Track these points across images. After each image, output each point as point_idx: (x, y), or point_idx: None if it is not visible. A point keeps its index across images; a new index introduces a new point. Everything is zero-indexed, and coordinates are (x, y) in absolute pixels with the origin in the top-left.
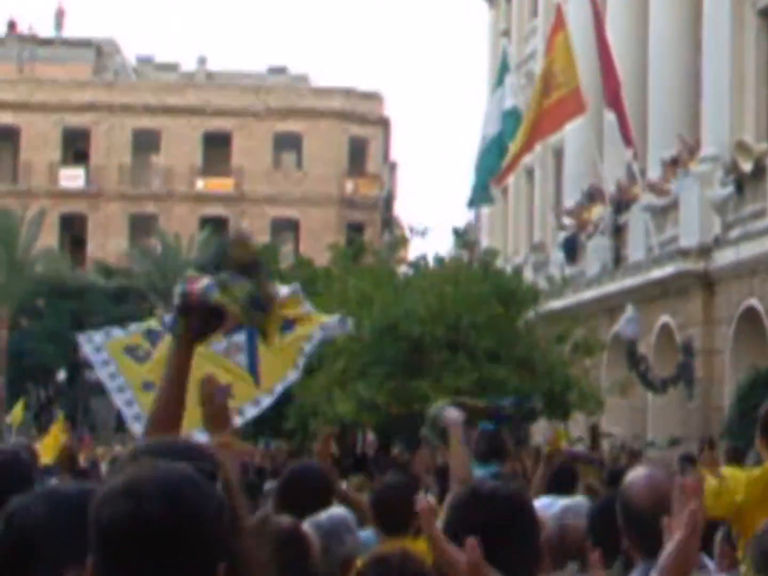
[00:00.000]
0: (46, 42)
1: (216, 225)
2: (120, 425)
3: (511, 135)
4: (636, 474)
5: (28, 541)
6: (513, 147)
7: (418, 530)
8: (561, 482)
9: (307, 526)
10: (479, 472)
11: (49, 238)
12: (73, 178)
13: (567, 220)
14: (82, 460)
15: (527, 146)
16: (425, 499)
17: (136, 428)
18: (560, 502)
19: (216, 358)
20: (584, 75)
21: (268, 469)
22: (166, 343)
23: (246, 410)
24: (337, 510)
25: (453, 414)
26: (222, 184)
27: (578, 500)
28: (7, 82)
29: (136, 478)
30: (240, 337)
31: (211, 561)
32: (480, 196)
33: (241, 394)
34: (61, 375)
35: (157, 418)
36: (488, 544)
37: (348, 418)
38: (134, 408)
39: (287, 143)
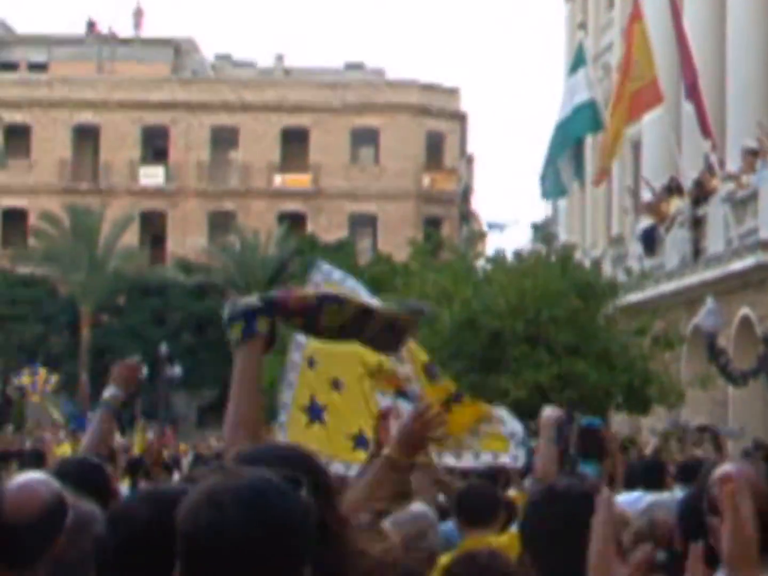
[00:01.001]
0: (125, 41)
1: (294, 221)
2: (201, 420)
3: (589, 128)
4: (725, 470)
5: (133, 545)
6: (605, 141)
7: (503, 524)
8: (650, 477)
9: (389, 523)
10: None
11: (130, 235)
12: (152, 176)
13: (645, 213)
14: (166, 456)
15: (616, 138)
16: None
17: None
18: (648, 497)
19: (370, 401)
20: (661, 66)
21: None
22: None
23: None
24: (418, 506)
25: (548, 411)
26: (300, 180)
27: (667, 495)
28: (86, 81)
29: (219, 487)
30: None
31: (294, 568)
32: (554, 188)
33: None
34: (142, 371)
35: (230, 421)
36: (563, 541)
37: None
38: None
39: (364, 138)
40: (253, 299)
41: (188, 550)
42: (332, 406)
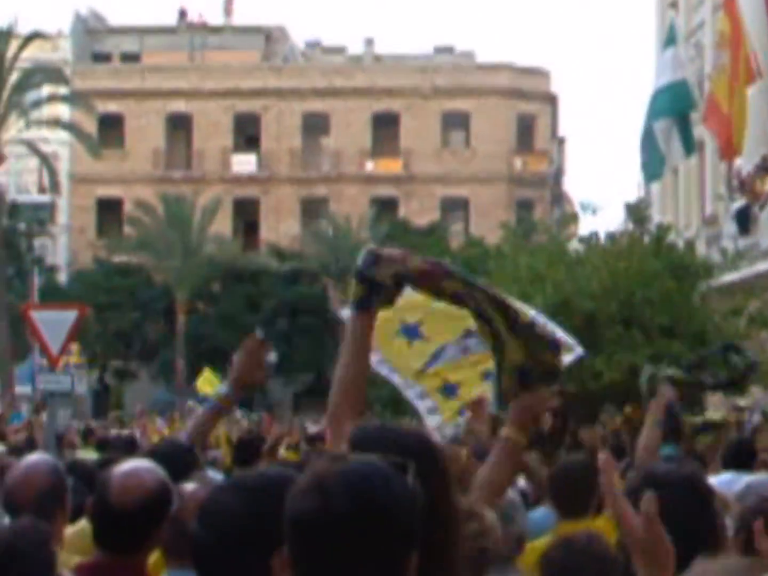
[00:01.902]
0: (216, 30)
1: (386, 206)
2: (297, 406)
3: (681, 107)
4: None
5: (224, 534)
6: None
7: (597, 509)
8: (740, 458)
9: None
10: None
11: (223, 223)
12: (244, 163)
13: (739, 192)
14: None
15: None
16: (608, 455)
17: (431, 421)
18: (744, 479)
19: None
20: (756, 42)
21: None
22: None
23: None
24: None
25: (667, 392)
26: (391, 165)
27: (762, 476)
28: (179, 70)
29: (326, 473)
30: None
31: (401, 555)
32: (655, 169)
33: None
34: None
35: (338, 382)
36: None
37: None
38: (427, 400)
39: (455, 122)
40: (386, 270)
41: (296, 536)
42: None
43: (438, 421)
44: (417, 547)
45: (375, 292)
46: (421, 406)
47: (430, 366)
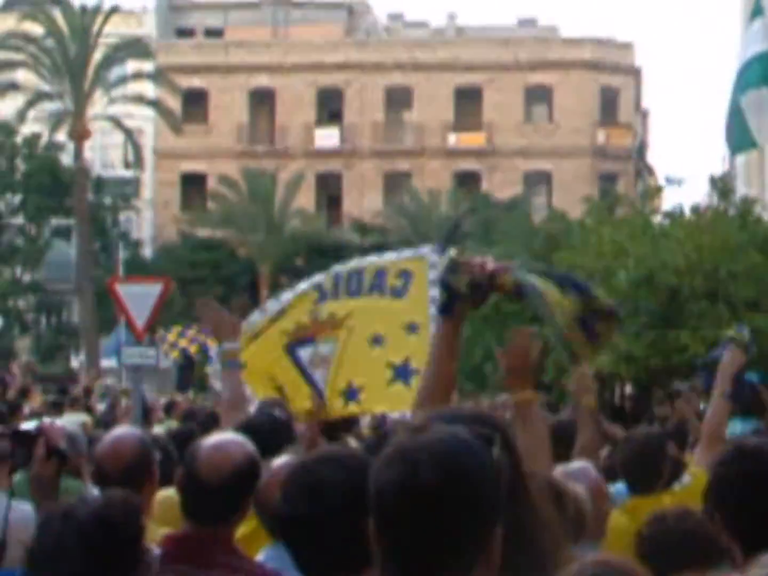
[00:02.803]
0: (299, 5)
1: (468, 180)
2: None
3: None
4: None
5: (323, 507)
6: None
7: (667, 483)
8: None
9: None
10: (739, 426)
11: (306, 197)
12: (327, 137)
13: None
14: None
15: None
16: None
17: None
18: None
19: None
20: None
21: None
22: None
23: None
24: (577, 463)
25: (734, 357)
26: (474, 139)
27: None
28: (262, 45)
29: (411, 445)
30: None
31: (486, 527)
32: (741, 142)
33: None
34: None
35: (426, 383)
36: (752, 499)
37: (606, 370)
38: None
39: (538, 95)
40: (462, 278)
41: (380, 508)
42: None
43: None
44: (501, 520)
45: (456, 299)
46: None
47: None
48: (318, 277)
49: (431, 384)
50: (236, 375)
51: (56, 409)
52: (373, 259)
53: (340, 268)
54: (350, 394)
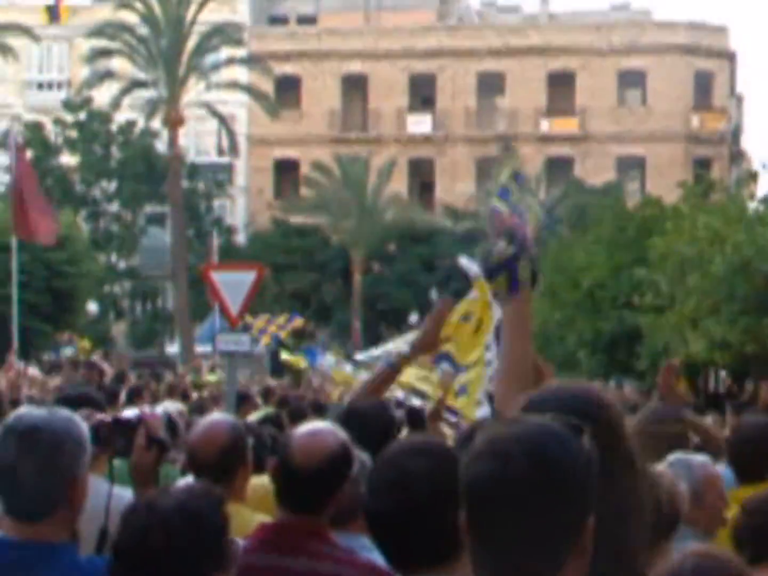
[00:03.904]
0: None
1: (561, 165)
2: None
3: None
4: None
5: (414, 501)
6: None
7: None
8: None
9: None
10: None
11: (398, 183)
12: (420, 123)
13: None
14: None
15: None
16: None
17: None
18: None
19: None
20: None
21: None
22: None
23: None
24: (698, 457)
25: None
26: (567, 124)
27: None
28: (354, 31)
29: (502, 437)
30: None
31: (577, 517)
32: None
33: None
34: (413, 318)
35: (504, 373)
36: None
37: (700, 357)
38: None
39: (631, 80)
40: (504, 246)
41: (472, 500)
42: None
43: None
44: (593, 512)
45: (514, 268)
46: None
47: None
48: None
49: (510, 372)
50: (392, 376)
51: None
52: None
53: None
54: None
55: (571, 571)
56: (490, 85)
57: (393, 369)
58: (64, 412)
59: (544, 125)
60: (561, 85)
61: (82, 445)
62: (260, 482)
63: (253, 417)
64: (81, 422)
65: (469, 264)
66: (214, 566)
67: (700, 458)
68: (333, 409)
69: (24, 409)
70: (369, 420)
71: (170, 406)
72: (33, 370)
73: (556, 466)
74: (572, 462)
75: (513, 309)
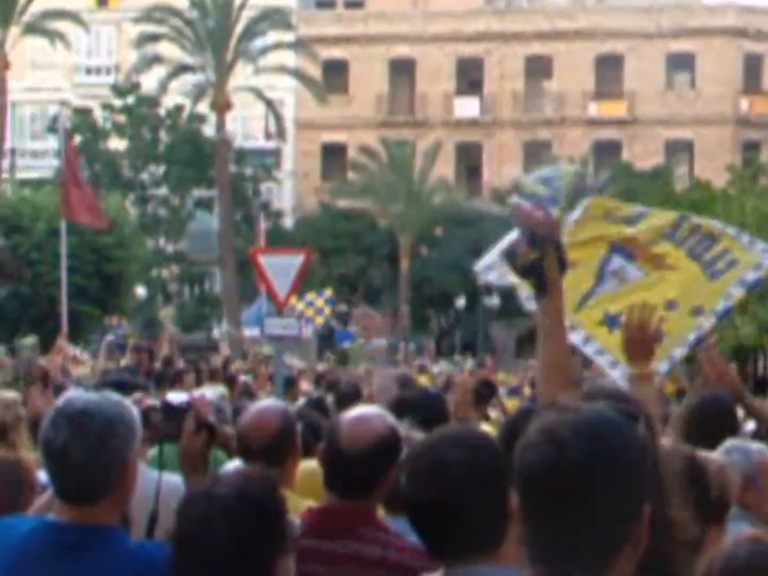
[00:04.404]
0: None
1: (609, 149)
2: (520, 351)
3: None
4: None
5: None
6: None
7: None
8: None
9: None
10: None
11: (445, 167)
12: (467, 107)
13: None
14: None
15: None
16: None
17: (616, 374)
18: None
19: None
20: None
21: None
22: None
23: (676, 353)
24: (754, 445)
25: None
26: (615, 108)
27: None
28: (402, 15)
29: (557, 423)
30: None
31: (633, 505)
32: None
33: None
34: (461, 302)
35: (542, 368)
36: None
37: (749, 342)
38: (607, 355)
39: (680, 63)
40: (526, 250)
41: (528, 488)
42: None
43: (621, 372)
44: (649, 500)
45: (541, 268)
46: (602, 360)
47: (586, 301)
48: (679, 220)
49: (549, 368)
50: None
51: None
52: (728, 231)
53: (701, 222)
54: (611, 320)
55: (624, 560)
56: (538, 68)
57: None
58: (115, 396)
59: (592, 109)
60: (609, 68)
61: (133, 429)
62: (308, 467)
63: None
64: (131, 406)
65: (486, 270)
66: (276, 550)
67: (757, 444)
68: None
69: (74, 393)
70: (423, 408)
71: (210, 392)
72: (81, 354)
73: (611, 454)
74: (627, 449)
75: (546, 306)
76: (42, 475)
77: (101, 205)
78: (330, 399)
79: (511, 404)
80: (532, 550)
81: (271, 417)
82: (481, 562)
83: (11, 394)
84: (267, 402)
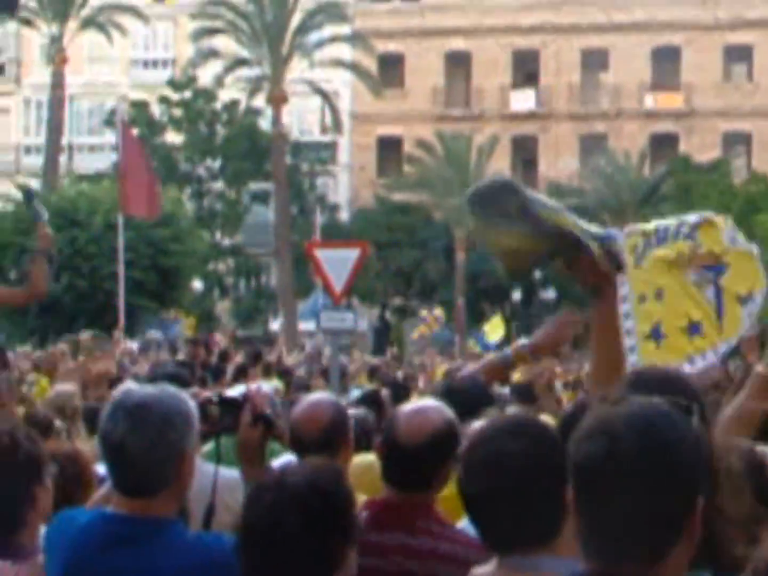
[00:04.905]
0: None
1: (666, 142)
2: (576, 343)
3: None
4: None
5: (509, 480)
6: None
7: None
8: None
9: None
10: None
11: (501, 160)
12: (523, 100)
13: None
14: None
15: None
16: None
17: (631, 360)
18: None
19: (689, 289)
20: None
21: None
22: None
23: (698, 360)
24: None
25: None
26: (671, 100)
27: None
28: (458, 8)
29: (611, 416)
30: (708, 273)
31: (688, 496)
32: None
33: (708, 336)
34: (516, 295)
35: (595, 366)
36: None
37: None
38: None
39: (737, 55)
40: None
41: (582, 480)
42: (664, 315)
43: (634, 361)
44: (703, 492)
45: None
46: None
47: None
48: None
49: (601, 369)
50: (500, 371)
51: (242, 373)
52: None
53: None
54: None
55: (678, 553)
56: (594, 60)
57: (506, 364)
58: (172, 389)
59: (649, 101)
60: (666, 60)
61: (190, 422)
62: (361, 460)
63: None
64: (189, 399)
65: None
66: (344, 542)
67: None
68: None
69: (132, 386)
70: (468, 397)
71: (267, 384)
72: (133, 347)
73: (665, 446)
74: (681, 442)
75: (600, 310)
76: (100, 468)
77: (159, 194)
78: (385, 393)
79: (568, 397)
80: (585, 542)
81: (324, 410)
82: (538, 553)
83: (69, 386)
84: (319, 395)
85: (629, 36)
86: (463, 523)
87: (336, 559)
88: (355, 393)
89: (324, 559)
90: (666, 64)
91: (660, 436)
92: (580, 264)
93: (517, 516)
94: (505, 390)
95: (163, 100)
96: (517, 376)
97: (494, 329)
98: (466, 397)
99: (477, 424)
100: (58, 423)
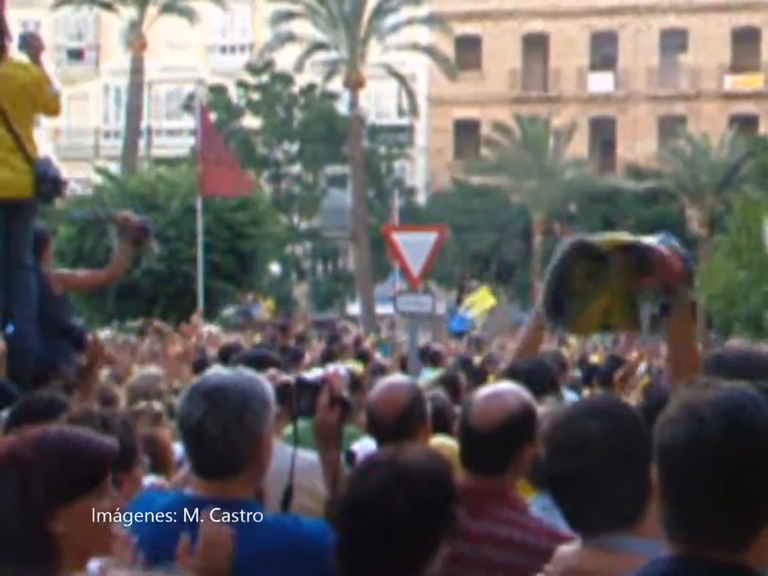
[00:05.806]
0: None
1: (745, 123)
2: (654, 327)
3: None
4: None
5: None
6: None
7: None
8: None
9: None
10: None
11: (579, 143)
12: (601, 82)
13: None
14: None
15: None
16: None
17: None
18: None
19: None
20: None
21: None
22: None
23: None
24: None
25: None
26: (751, 81)
27: None
28: None
29: (698, 400)
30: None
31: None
32: None
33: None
34: None
35: (673, 372)
36: None
37: None
38: None
39: None
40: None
41: (669, 464)
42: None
43: None
44: None
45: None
46: None
47: None
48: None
49: (684, 366)
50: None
51: (323, 358)
52: None
53: None
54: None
55: (765, 540)
56: (673, 42)
57: (538, 320)
58: (249, 372)
59: (728, 82)
60: (745, 41)
61: (267, 404)
62: (437, 443)
63: (424, 378)
64: (266, 382)
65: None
66: (445, 527)
67: None
68: None
69: (210, 369)
70: (531, 378)
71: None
72: (214, 329)
73: (752, 430)
74: (766, 427)
75: (676, 326)
76: (178, 449)
77: (245, 174)
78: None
79: (644, 382)
80: (670, 526)
81: (400, 392)
82: (622, 535)
83: (154, 369)
84: (396, 377)
85: (708, 17)
86: (544, 501)
87: (434, 547)
88: (428, 374)
89: (424, 542)
90: (746, 45)
91: (747, 420)
92: (656, 268)
93: (602, 497)
94: (577, 373)
95: (241, 84)
96: (595, 357)
97: (482, 300)
98: (529, 379)
99: (545, 408)
100: (156, 406)
